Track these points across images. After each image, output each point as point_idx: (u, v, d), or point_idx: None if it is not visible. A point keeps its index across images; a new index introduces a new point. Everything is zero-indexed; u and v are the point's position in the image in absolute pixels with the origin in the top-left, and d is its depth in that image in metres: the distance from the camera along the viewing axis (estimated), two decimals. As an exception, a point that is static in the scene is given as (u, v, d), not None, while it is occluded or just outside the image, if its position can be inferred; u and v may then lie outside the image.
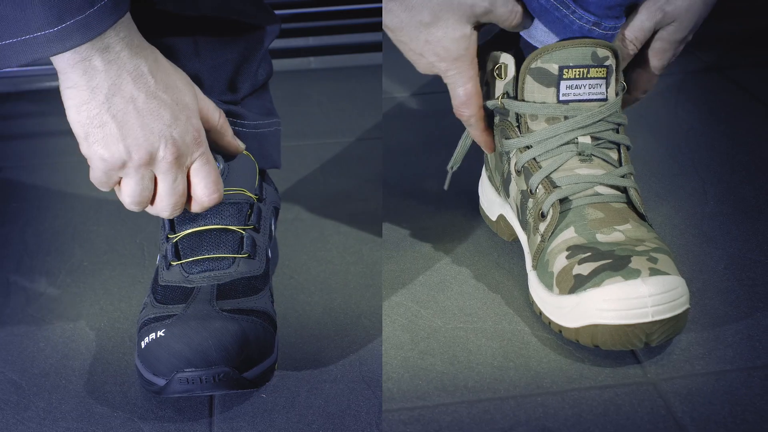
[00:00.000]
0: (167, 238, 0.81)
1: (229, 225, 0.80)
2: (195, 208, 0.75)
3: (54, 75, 0.71)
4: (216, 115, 0.77)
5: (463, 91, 0.86)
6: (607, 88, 0.83)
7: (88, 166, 0.73)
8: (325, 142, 1.18)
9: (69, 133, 0.89)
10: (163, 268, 0.80)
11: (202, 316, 0.73)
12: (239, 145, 0.80)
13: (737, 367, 0.76)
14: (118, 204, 1.03)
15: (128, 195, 0.73)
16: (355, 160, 1.13)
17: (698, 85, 1.28)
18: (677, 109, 1.20)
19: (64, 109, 0.87)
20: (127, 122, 0.69)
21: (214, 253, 0.79)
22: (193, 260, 0.78)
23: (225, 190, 0.80)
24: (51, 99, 0.82)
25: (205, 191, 0.74)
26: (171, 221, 0.81)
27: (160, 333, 0.72)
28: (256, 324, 0.74)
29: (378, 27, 1.35)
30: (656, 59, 0.87)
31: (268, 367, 0.75)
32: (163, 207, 0.74)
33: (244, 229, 0.80)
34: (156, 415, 0.75)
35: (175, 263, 0.79)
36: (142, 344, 0.74)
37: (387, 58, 1.33)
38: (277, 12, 1.34)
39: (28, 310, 0.88)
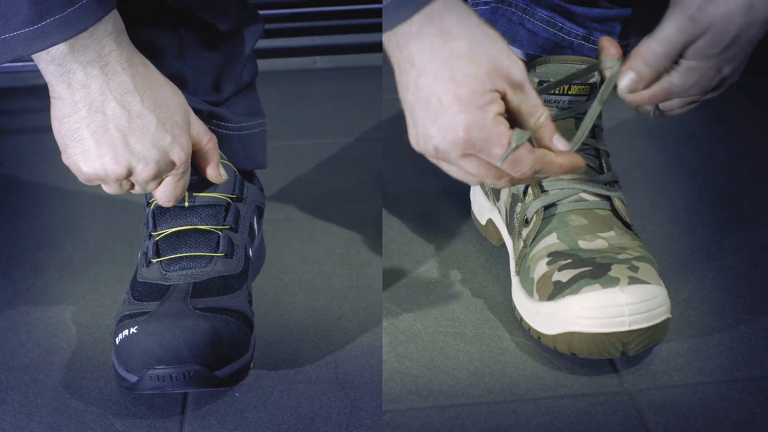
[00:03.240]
0: (150, 235, 0.81)
1: (205, 225, 0.80)
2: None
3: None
4: (205, 140, 0.77)
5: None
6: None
7: None
8: (322, 142, 1.17)
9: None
10: (143, 265, 0.80)
11: (174, 314, 0.73)
12: (220, 175, 0.80)
13: (716, 379, 0.75)
14: (112, 201, 1.05)
15: (109, 191, 0.74)
16: (352, 161, 1.13)
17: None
18: (680, 117, 1.18)
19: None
20: (105, 141, 0.69)
21: (192, 252, 0.79)
22: (171, 258, 0.79)
23: (203, 194, 0.81)
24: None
25: (162, 197, 0.76)
26: (154, 220, 0.81)
27: (133, 330, 0.73)
28: (230, 323, 0.74)
29: (379, 27, 1.35)
30: (678, 76, 0.72)
31: (242, 366, 0.75)
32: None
33: (220, 230, 0.80)
34: (129, 412, 0.75)
35: (154, 261, 0.79)
36: (117, 340, 0.74)
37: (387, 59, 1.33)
38: (279, 11, 1.35)
39: (14, 304, 0.89)
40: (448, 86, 0.64)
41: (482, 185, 0.94)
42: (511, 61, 0.66)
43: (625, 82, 0.73)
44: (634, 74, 0.72)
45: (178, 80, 0.83)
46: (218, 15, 0.83)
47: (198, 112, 0.84)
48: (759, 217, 0.96)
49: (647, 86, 0.73)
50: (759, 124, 1.17)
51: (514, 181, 0.70)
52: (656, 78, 0.73)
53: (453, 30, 0.64)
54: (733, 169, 1.06)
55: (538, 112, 0.68)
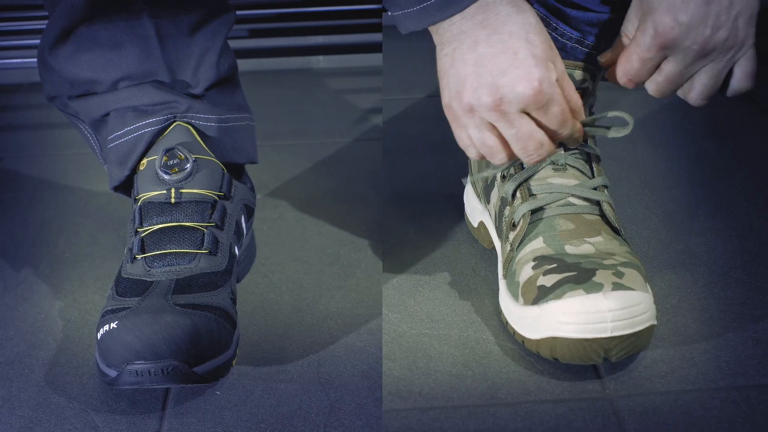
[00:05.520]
0: (136, 232, 0.81)
1: (190, 222, 0.80)
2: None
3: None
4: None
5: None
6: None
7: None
8: (322, 142, 1.17)
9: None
10: (128, 261, 0.80)
11: (154, 310, 0.73)
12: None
13: (698, 387, 0.74)
14: (107, 198, 1.05)
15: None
16: (349, 161, 1.13)
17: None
18: (683, 121, 1.18)
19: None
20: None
21: (176, 248, 0.79)
22: (155, 254, 0.79)
23: (189, 190, 0.81)
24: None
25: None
26: (141, 216, 0.81)
27: (113, 325, 0.73)
28: (210, 320, 0.74)
29: (378, 28, 1.35)
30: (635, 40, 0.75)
31: (222, 363, 0.75)
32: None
33: (205, 227, 0.80)
34: (110, 408, 0.75)
35: (139, 257, 0.79)
36: (98, 335, 0.74)
37: (387, 59, 1.32)
38: (281, 10, 1.35)
39: (4, 299, 0.89)
40: (524, 45, 0.71)
41: (474, 186, 0.93)
42: (555, 48, 0.74)
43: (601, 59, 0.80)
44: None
45: (163, 71, 0.84)
46: (190, 4, 0.84)
47: (178, 105, 0.84)
48: (754, 225, 0.95)
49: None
50: (760, 130, 1.16)
51: (546, 150, 0.74)
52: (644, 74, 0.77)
53: (524, 5, 0.72)
54: (732, 175, 1.05)
55: (574, 98, 0.75)
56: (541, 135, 0.73)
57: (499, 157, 0.75)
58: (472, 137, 0.75)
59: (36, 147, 1.19)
